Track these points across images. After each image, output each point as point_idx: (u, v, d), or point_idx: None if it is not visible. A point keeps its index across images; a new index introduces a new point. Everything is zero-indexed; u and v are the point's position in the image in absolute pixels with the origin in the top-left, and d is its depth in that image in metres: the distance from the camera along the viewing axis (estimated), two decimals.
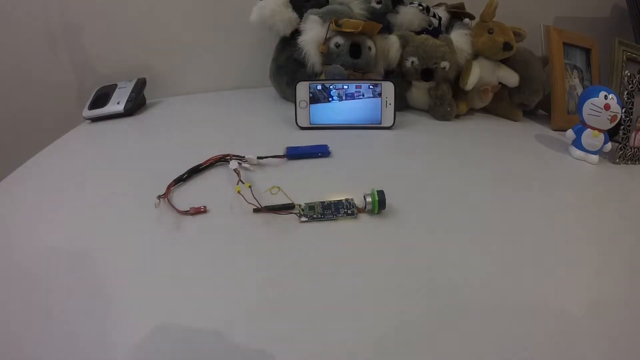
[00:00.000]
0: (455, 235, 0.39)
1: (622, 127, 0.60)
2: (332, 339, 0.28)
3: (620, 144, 0.61)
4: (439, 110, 0.69)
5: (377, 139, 0.59)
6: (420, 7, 0.71)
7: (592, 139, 0.57)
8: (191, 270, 0.33)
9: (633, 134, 0.61)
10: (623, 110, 0.59)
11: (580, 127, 0.59)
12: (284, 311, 0.30)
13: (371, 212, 0.41)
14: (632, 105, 0.60)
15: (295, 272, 0.33)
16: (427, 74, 0.67)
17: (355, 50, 0.64)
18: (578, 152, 0.59)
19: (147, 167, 0.49)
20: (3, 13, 0.69)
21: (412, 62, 0.67)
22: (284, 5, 0.68)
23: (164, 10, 0.74)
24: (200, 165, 0.47)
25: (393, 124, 0.62)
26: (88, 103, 0.67)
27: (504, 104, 0.74)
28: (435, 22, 0.73)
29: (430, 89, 0.69)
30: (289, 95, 0.71)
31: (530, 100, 0.73)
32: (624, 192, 0.52)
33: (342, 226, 0.39)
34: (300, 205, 0.40)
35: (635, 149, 0.61)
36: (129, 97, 0.66)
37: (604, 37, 0.82)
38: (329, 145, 0.54)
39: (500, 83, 0.72)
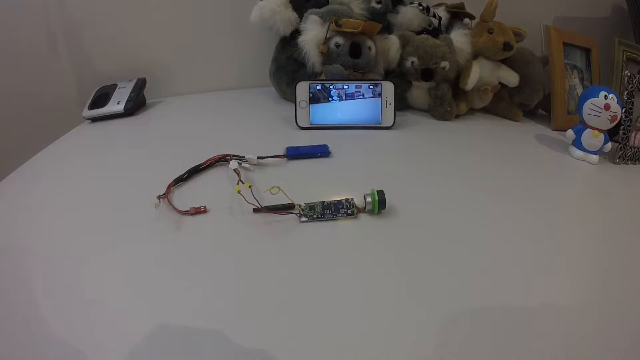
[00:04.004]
0: (455, 235, 0.39)
1: (622, 127, 0.60)
2: (332, 339, 0.28)
3: (620, 144, 0.61)
4: (439, 110, 0.69)
5: (377, 139, 0.59)
6: (420, 7, 0.71)
7: (592, 139, 0.57)
8: (191, 270, 0.33)
9: (633, 134, 0.61)
10: (623, 110, 0.59)
11: (580, 127, 0.59)
12: (284, 311, 0.30)
13: (371, 212, 0.41)
14: (632, 105, 0.60)
15: (295, 272, 0.33)
16: (427, 74, 0.67)
17: (356, 50, 0.63)
18: (578, 152, 0.59)
19: (147, 167, 0.49)
20: (3, 13, 0.69)
21: (412, 62, 0.67)
22: (284, 5, 0.68)
23: (164, 10, 0.74)
24: (200, 165, 0.47)
25: (393, 124, 0.62)
26: (88, 103, 0.67)
27: (504, 104, 0.74)
28: (435, 22, 0.73)
29: (430, 89, 0.69)
30: (289, 95, 0.71)
31: (530, 100, 0.73)
32: (624, 192, 0.52)
33: (342, 226, 0.39)
34: (300, 205, 0.40)
35: (635, 149, 0.61)
36: (129, 97, 0.66)
37: (604, 37, 0.82)
38: (329, 145, 0.54)
39: (500, 83, 0.72)
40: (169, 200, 0.41)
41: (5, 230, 0.38)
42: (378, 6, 0.73)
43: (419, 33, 0.69)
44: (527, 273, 0.35)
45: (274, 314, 0.29)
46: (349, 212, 0.40)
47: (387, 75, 0.71)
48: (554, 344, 0.28)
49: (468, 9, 0.77)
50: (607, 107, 0.56)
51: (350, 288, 0.32)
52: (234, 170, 0.45)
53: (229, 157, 0.49)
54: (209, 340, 0.27)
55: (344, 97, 0.60)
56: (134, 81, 0.70)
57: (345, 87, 0.60)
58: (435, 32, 0.70)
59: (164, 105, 0.73)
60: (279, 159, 0.51)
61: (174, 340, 0.27)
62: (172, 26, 0.75)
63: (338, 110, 0.61)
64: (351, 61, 0.63)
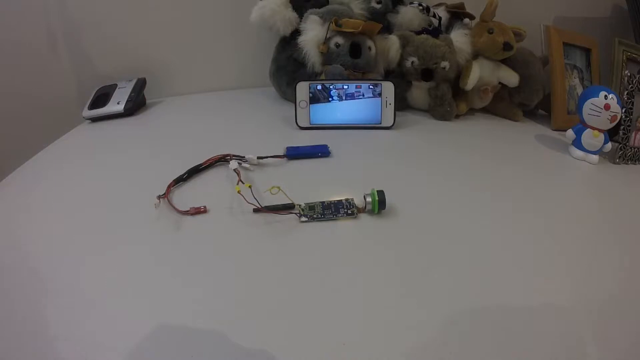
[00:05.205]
0: (455, 235, 0.39)
1: (622, 127, 0.60)
2: (332, 339, 0.28)
3: (620, 144, 0.61)
4: (439, 110, 0.69)
5: (377, 139, 0.59)
6: (420, 7, 0.71)
7: (592, 139, 0.57)
8: (191, 270, 0.33)
9: (633, 134, 0.61)
10: (623, 110, 0.59)
11: (580, 127, 0.59)
12: (284, 311, 0.30)
13: (371, 212, 0.41)
14: (632, 105, 0.60)
15: (295, 272, 0.33)
16: (427, 74, 0.67)
17: (356, 50, 0.63)
18: (578, 152, 0.59)
19: (147, 167, 0.49)
20: (3, 13, 0.69)
21: (412, 62, 0.67)
22: (284, 5, 0.68)
23: (164, 10, 0.74)
24: (200, 165, 0.47)
25: (393, 124, 0.62)
26: (88, 103, 0.67)
27: (504, 104, 0.74)
28: (435, 22, 0.73)
29: (430, 89, 0.69)
30: (289, 95, 0.71)
31: (530, 100, 0.73)
32: (624, 192, 0.52)
33: (342, 226, 0.39)
34: (300, 205, 0.40)
35: (635, 149, 0.61)
36: (129, 97, 0.66)
37: (604, 37, 0.82)
38: (329, 145, 0.54)
39: (500, 83, 0.72)
40: (169, 200, 0.41)
41: (5, 230, 0.38)
42: (378, 6, 0.73)
43: (419, 33, 0.69)
44: (527, 273, 0.35)
45: (274, 314, 0.29)
46: (349, 212, 0.40)
47: (387, 75, 0.71)
48: (554, 344, 0.28)
49: (468, 9, 0.77)
50: (607, 107, 0.56)
51: (350, 288, 0.32)
52: (234, 170, 0.45)
53: (229, 157, 0.49)
54: (209, 340, 0.27)
55: (344, 97, 0.60)
56: (134, 81, 0.70)
57: (345, 87, 0.60)
58: (435, 32, 0.70)
59: (164, 105, 0.73)
60: (279, 159, 0.51)
61: (174, 340, 0.27)
62: (172, 26, 0.75)
63: (338, 110, 0.61)
64: (351, 61, 0.63)
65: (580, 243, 0.40)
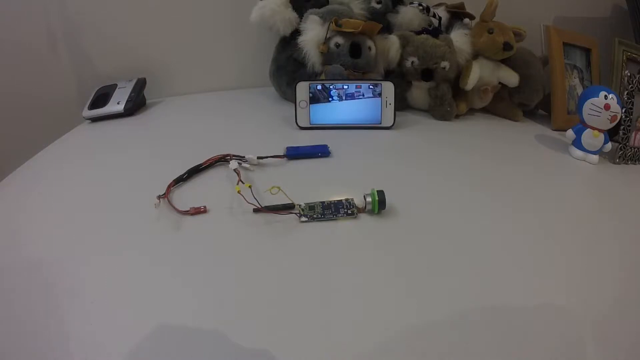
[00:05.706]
0: (455, 235, 0.39)
1: (622, 127, 0.60)
2: (332, 339, 0.28)
3: (620, 144, 0.61)
4: (439, 110, 0.69)
5: (377, 139, 0.59)
6: (420, 7, 0.71)
7: (592, 139, 0.57)
8: (191, 270, 0.33)
9: (633, 134, 0.61)
10: (623, 110, 0.59)
11: (580, 127, 0.59)
12: (284, 311, 0.30)
13: (371, 212, 0.41)
14: (632, 105, 0.60)
15: (295, 272, 0.33)
16: (427, 74, 0.67)
17: (356, 50, 0.63)
18: (578, 152, 0.59)
19: (147, 167, 0.49)
20: (2, 13, 0.69)
21: (412, 62, 0.67)
22: (284, 5, 0.68)
23: (164, 11, 0.74)
24: (200, 165, 0.47)
25: (393, 124, 0.62)
26: (88, 103, 0.67)
27: (504, 104, 0.74)
28: (435, 22, 0.73)
29: (430, 89, 0.69)
30: (289, 95, 0.71)
31: (530, 100, 0.73)
32: (624, 192, 0.52)
33: (342, 226, 0.39)
34: (300, 205, 0.40)
35: (635, 149, 0.61)
36: (129, 97, 0.66)
37: (604, 37, 0.82)
38: (329, 145, 0.54)
39: (500, 83, 0.72)
40: (169, 200, 0.41)
41: (5, 230, 0.38)
42: (378, 6, 0.73)
43: (419, 33, 0.69)
44: (527, 273, 0.35)
45: (274, 314, 0.29)
46: (349, 212, 0.40)
47: (387, 75, 0.71)
48: (554, 344, 0.28)
49: (468, 9, 0.77)
50: (607, 107, 0.56)
51: (350, 288, 0.32)
52: (234, 170, 0.45)
53: (229, 157, 0.49)
54: (209, 340, 0.27)
55: (344, 97, 0.60)
56: (134, 81, 0.70)
57: (345, 87, 0.60)
58: (435, 32, 0.70)
59: (164, 105, 0.73)
60: (279, 159, 0.51)
61: (174, 340, 0.27)
62: (172, 26, 0.75)
63: (338, 110, 0.61)
64: (351, 61, 0.63)
65: (580, 243, 0.40)
